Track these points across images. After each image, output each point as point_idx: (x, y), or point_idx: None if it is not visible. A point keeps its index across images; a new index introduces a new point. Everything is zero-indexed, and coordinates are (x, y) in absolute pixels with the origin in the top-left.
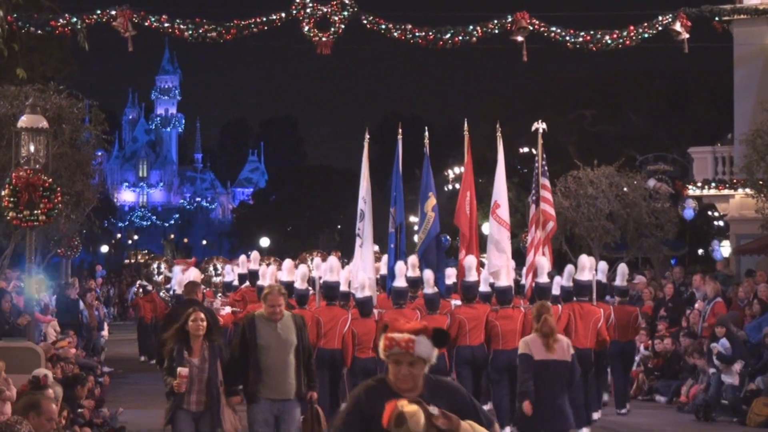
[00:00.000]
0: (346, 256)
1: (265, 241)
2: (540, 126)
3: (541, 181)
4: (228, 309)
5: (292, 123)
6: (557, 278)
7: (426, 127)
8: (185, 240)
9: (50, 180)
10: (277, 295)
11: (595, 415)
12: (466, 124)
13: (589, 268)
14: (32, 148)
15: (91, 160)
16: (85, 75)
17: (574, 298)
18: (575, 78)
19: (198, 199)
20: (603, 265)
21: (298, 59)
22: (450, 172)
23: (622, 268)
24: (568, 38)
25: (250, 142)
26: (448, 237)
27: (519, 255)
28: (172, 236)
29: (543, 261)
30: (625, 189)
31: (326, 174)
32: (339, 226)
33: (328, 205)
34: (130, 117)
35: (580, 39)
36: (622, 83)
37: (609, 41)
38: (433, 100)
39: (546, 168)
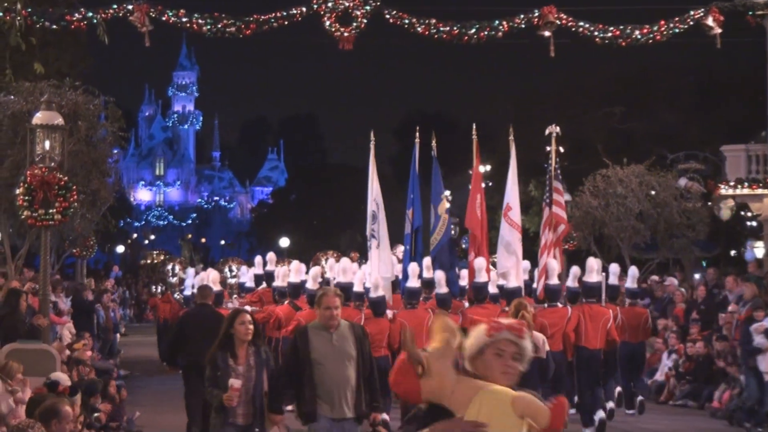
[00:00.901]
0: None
1: (284, 241)
2: (554, 130)
3: (554, 184)
4: (247, 308)
5: (312, 120)
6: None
7: (433, 131)
8: (203, 240)
9: (66, 178)
10: (332, 296)
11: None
12: (474, 129)
13: (597, 270)
14: (47, 146)
15: (108, 158)
16: (100, 71)
17: (584, 300)
18: (604, 74)
19: (216, 198)
20: (614, 267)
21: (319, 55)
22: None
23: (633, 271)
24: (596, 33)
25: (269, 139)
26: None
27: None
28: (190, 236)
29: (553, 263)
30: (655, 188)
31: (347, 172)
32: (361, 226)
33: (350, 204)
34: (147, 114)
35: (609, 34)
36: (652, 79)
37: (639, 36)
38: (458, 96)
39: (559, 171)
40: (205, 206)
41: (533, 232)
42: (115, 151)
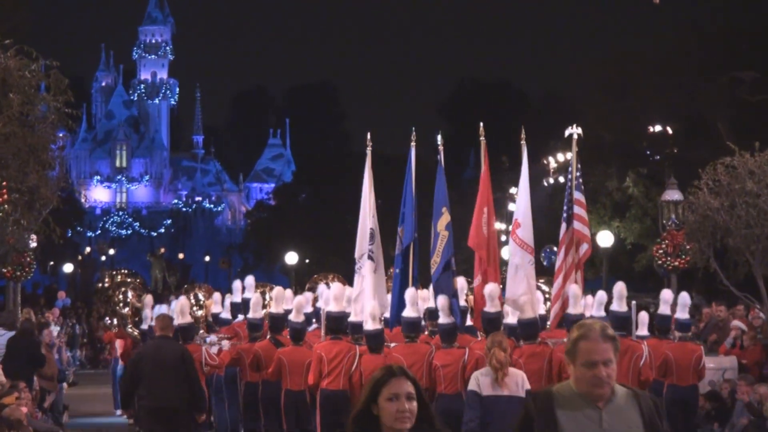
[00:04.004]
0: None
1: (291, 257)
2: (575, 131)
3: (575, 196)
4: (226, 344)
5: (328, 93)
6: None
7: (439, 131)
8: (180, 255)
9: None
10: (597, 339)
11: None
12: (481, 128)
13: (626, 298)
14: None
15: (50, 144)
16: (41, 27)
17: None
18: (727, 28)
19: (198, 198)
20: (666, 294)
21: (337, 7)
22: (551, 159)
23: (683, 298)
24: None
25: (270, 119)
26: (554, 249)
27: (651, 276)
28: (163, 250)
29: (575, 289)
30: None
31: (377, 163)
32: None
33: (378, 205)
34: (104, 84)
35: None
36: None
37: None
38: (524, 60)
39: (581, 181)
40: (184, 209)
41: (630, 243)
42: (61, 135)
